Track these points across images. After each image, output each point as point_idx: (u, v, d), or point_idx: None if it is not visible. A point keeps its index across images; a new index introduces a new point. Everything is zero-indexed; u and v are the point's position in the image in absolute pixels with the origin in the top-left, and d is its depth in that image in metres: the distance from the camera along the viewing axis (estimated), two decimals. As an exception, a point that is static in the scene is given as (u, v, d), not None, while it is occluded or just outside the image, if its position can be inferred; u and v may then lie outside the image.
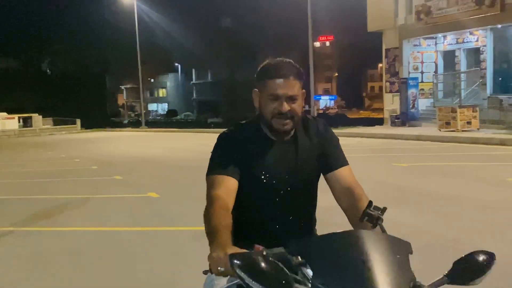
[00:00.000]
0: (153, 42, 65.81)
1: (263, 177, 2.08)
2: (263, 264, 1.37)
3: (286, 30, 63.44)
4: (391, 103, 26.04)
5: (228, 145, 2.08)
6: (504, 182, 8.84)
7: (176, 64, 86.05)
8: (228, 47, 68.04)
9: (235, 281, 1.91)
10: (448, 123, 19.24)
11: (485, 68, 22.70)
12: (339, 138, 2.27)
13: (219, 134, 2.15)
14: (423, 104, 24.63)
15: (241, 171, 2.05)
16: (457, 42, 24.53)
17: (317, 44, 71.40)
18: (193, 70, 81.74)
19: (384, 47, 27.29)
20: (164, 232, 6.49)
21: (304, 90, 2.09)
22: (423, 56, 25.59)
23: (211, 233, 1.74)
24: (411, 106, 23.67)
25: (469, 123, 18.97)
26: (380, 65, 36.39)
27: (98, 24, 65.13)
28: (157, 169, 13.39)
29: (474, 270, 1.52)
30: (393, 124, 24.04)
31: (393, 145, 16.32)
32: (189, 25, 69.23)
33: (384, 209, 1.86)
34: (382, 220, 1.83)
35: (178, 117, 70.33)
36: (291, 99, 2.02)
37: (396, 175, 10.10)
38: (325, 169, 2.18)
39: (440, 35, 24.52)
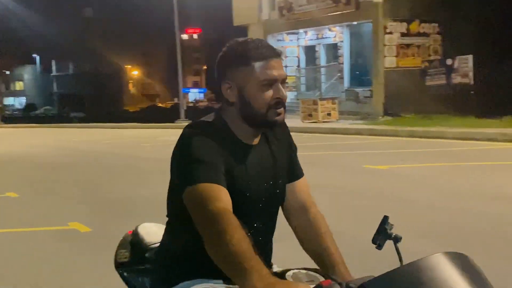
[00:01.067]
0: (8, 32, 61.22)
1: (243, 188, 1.67)
2: None
3: (153, 20, 62.44)
4: (257, 96, 26.78)
5: (209, 144, 1.60)
6: (360, 169, 9.54)
7: (34, 55, 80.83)
8: (91, 38, 65.31)
9: None
10: (310, 115, 20.25)
11: (343, 63, 24.21)
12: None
13: (183, 134, 1.66)
14: (287, 96, 25.60)
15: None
16: (317, 38, 25.85)
17: (185, 36, 71.14)
18: (53, 62, 77.30)
19: (250, 41, 27.94)
20: (24, 233, 6.12)
21: None
22: (286, 51, 26.61)
23: (242, 263, 1.31)
24: (276, 99, 24.51)
25: (329, 114, 20.12)
26: (246, 58, 37.22)
27: None
28: (15, 167, 12.53)
29: None
30: (260, 116, 24.75)
31: (260, 137, 16.79)
32: (48, 14, 65.42)
33: (392, 226, 1.58)
34: (400, 239, 1.56)
35: (38, 111, 66.13)
36: (283, 83, 1.73)
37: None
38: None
39: (301, 30, 25.66)
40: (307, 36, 26.20)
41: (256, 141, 1.75)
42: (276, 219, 1.85)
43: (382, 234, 1.56)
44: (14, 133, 28.67)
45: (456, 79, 18.29)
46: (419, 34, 21.13)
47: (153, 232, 2.04)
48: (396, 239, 1.55)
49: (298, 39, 26.60)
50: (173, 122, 29.54)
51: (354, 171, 9.30)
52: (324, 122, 19.59)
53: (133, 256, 1.99)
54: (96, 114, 41.41)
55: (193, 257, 1.62)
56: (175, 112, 32.58)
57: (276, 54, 1.66)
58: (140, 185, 8.79)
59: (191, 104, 42.60)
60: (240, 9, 27.41)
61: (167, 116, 31.96)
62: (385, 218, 1.58)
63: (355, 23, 22.79)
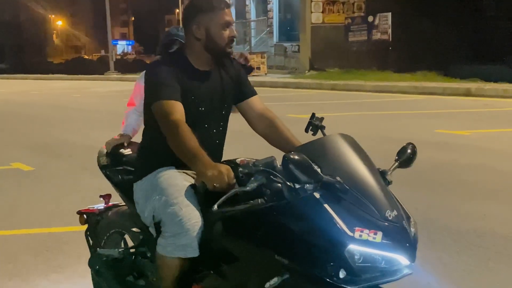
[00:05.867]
0: None
1: (198, 103, 2.23)
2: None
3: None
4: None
5: (168, 72, 2.17)
6: (284, 118, 10.28)
7: None
8: (11, -15, 61.77)
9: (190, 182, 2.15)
10: (240, 68, 20.80)
11: (272, 18, 24.71)
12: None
13: (151, 64, 2.31)
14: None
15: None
16: (247, -8, 26.14)
17: (111, -14, 68.66)
18: (-30, 9, 72.63)
19: (180, -7, 27.82)
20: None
21: None
22: (216, 4, 26.71)
23: (191, 154, 1.93)
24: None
25: (258, 68, 20.75)
26: (177, 10, 36.84)
27: None
28: None
29: (412, 156, 2.04)
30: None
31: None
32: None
33: (322, 118, 2.31)
34: (324, 127, 2.29)
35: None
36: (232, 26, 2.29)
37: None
38: (239, 98, 2.42)
39: (232, -16, 25.81)
40: (238, -10, 26.43)
41: (209, 68, 2.32)
42: (226, 127, 2.42)
43: (311, 125, 2.29)
44: None
45: (376, 35, 19.34)
46: (344, -9, 21.89)
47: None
48: (322, 127, 2.29)
49: (228, -8, 26.74)
50: (102, 74, 29.22)
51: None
52: (253, 75, 20.20)
53: (112, 160, 2.70)
54: (18, 66, 39.92)
55: (165, 151, 2.12)
56: (102, 64, 32.04)
57: (229, 5, 2.27)
58: (72, 131, 9.17)
59: (118, 57, 41.77)
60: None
61: (94, 68, 31.42)
62: (313, 115, 2.29)
63: (284, -22, 23.20)
